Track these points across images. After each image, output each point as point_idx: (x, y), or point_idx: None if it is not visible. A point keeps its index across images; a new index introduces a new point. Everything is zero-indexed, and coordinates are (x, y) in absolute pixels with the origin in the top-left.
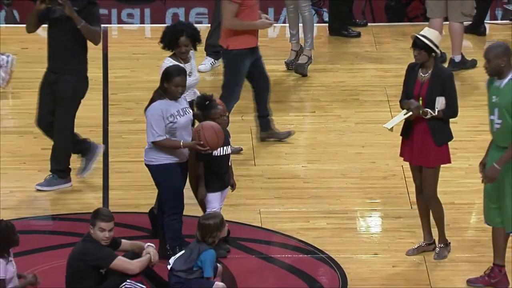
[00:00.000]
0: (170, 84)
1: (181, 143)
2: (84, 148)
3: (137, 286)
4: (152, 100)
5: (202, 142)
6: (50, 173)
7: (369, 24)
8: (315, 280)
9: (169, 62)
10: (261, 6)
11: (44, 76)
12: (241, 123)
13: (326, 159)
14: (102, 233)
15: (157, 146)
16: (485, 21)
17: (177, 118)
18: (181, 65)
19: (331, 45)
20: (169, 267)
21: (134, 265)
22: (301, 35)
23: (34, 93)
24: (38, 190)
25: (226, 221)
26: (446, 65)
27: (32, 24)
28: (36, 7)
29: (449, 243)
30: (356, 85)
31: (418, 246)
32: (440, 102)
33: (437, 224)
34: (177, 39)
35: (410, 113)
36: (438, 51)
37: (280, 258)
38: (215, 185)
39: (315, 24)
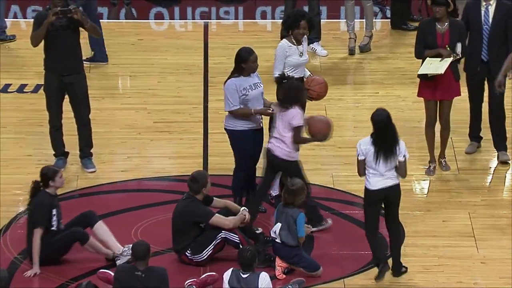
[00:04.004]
0: (249, 62)
1: (253, 110)
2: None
3: (231, 236)
4: (229, 78)
5: (271, 110)
6: (89, 156)
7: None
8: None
9: (285, 42)
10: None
11: (50, 82)
12: (317, 104)
13: None
14: None
15: (232, 114)
16: None
17: (249, 91)
18: (294, 46)
19: (392, 37)
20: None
21: (229, 221)
22: (357, 27)
23: (148, 76)
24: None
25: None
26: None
27: (42, 37)
28: (47, 20)
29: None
30: (413, 70)
31: (433, 168)
32: (459, 47)
33: (443, 143)
34: (298, 21)
35: (451, 58)
36: (452, 5)
37: (349, 214)
38: None
39: (379, 20)
